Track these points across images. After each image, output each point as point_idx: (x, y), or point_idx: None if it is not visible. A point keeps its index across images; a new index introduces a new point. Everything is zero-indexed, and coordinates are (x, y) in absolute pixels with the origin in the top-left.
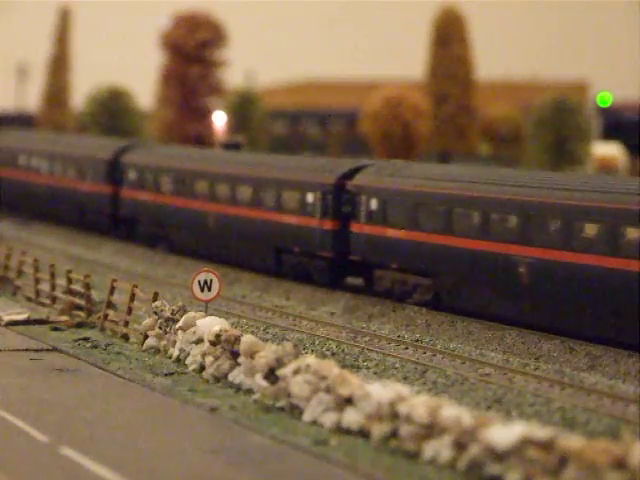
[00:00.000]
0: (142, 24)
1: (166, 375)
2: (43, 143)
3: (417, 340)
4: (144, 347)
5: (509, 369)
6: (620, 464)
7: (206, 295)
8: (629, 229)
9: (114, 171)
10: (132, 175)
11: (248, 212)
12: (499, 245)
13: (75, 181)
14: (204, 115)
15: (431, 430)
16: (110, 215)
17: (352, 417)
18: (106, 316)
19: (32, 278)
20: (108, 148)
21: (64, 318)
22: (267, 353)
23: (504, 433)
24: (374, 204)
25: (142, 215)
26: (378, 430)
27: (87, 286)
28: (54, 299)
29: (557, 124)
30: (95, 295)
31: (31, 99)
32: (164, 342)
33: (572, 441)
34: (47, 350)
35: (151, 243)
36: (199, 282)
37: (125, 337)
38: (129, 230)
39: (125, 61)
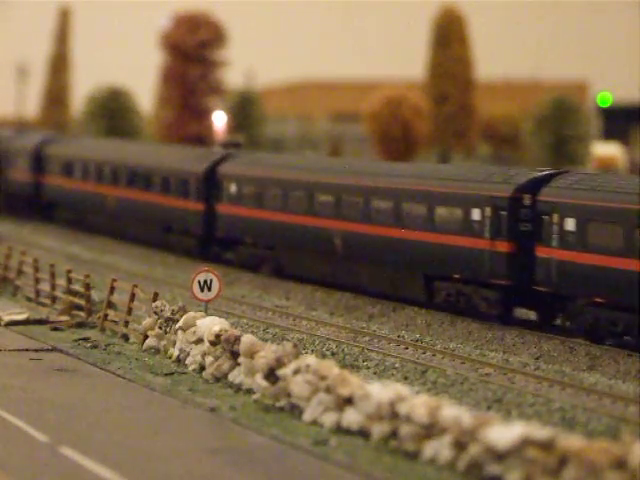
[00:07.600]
0: (142, 24)
1: (166, 375)
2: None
3: (417, 340)
4: (144, 347)
5: (509, 369)
6: (620, 464)
7: (206, 295)
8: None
9: None
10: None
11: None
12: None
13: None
14: (204, 115)
15: (431, 430)
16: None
17: (352, 417)
18: (106, 316)
19: (32, 278)
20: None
21: (64, 318)
22: (267, 353)
23: (504, 433)
24: None
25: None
26: (378, 430)
27: (87, 286)
28: (54, 299)
29: (557, 124)
30: (95, 295)
31: (31, 99)
32: (164, 342)
33: (572, 441)
34: (47, 350)
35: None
36: (199, 282)
37: (125, 337)
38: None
39: (125, 61)
